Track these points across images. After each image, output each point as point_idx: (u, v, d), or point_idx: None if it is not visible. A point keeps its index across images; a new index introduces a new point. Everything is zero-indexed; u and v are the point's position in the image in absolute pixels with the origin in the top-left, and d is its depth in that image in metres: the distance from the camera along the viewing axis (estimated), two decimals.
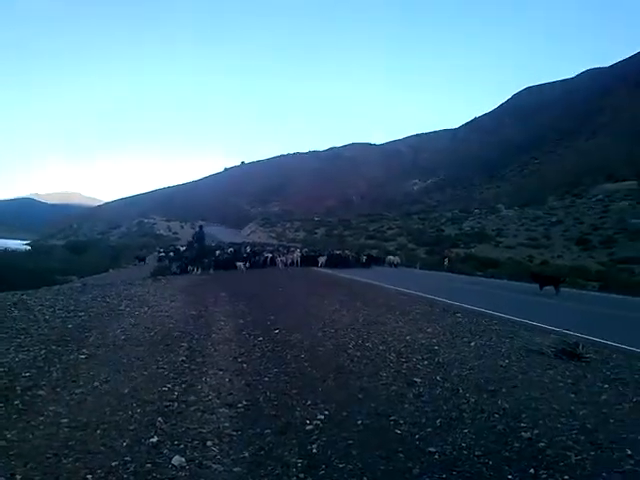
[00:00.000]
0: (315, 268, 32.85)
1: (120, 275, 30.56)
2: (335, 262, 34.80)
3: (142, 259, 43.41)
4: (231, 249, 41.91)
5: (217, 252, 38.11)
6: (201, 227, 35.07)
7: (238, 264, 30.50)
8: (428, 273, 34.45)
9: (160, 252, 45.79)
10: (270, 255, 35.24)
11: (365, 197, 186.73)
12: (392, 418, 5.27)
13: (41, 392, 5.71)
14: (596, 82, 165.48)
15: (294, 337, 9.36)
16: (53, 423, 4.86)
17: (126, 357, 7.45)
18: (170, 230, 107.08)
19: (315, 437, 4.80)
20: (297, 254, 35.99)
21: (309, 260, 34.96)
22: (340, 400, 5.83)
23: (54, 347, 7.76)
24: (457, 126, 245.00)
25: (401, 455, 4.42)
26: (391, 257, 40.12)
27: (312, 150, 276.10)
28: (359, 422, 5.16)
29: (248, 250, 42.06)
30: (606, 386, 6.53)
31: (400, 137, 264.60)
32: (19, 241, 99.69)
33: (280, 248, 44.23)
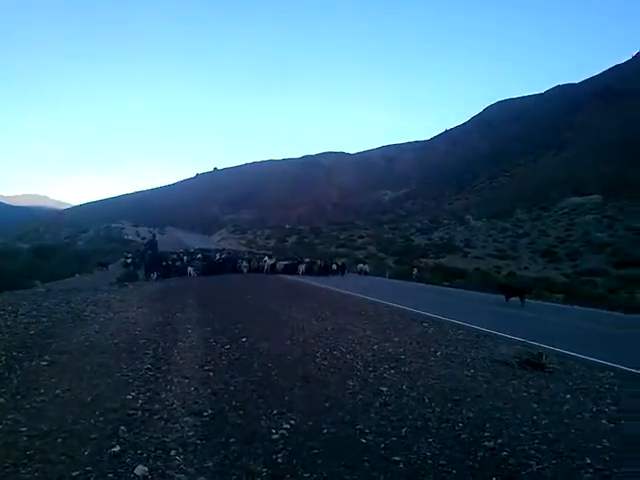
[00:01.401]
0: (283, 275, 32.99)
1: (86, 280, 30.04)
2: (307, 271, 35.53)
3: (104, 265, 42.80)
4: (184, 257, 41.63)
5: (171, 260, 37.86)
6: (154, 235, 35.32)
7: (189, 269, 31.81)
8: (397, 282, 34.68)
9: (127, 258, 45.21)
10: (244, 262, 36.16)
11: (337, 206, 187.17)
12: (358, 427, 5.28)
13: (0, 400, 5.58)
14: (565, 97, 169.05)
15: (262, 345, 9.33)
16: (12, 432, 4.74)
17: (89, 364, 7.32)
18: (139, 235, 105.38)
19: (281, 446, 4.78)
20: (268, 262, 36.60)
21: (288, 268, 35.60)
22: (306, 409, 5.83)
23: (15, 353, 7.61)
24: (429, 138, 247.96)
25: (366, 464, 4.43)
26: (361, 265, 41.24)
27: (286, 158, 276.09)
28: (325, 431, 5.17)
29: (219, 257, 42.04)
30: (568, 396, 6.67)
31: (373, 147, 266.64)
32: None
33: (253, 256, 44.22)
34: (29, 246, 73.94)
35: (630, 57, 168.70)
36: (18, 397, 5.73)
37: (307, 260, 39.10)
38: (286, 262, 37.55)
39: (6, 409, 5.31)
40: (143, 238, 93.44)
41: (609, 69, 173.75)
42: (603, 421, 5.71)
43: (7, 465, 4.06)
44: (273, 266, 35.79)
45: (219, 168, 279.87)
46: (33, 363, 7.18)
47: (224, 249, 65.23)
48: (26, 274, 35.06)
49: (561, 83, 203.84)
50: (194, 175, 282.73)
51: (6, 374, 6.55)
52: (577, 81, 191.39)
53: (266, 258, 39.03)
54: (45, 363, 7.22)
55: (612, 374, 8.06)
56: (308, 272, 35.32)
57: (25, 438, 4.62)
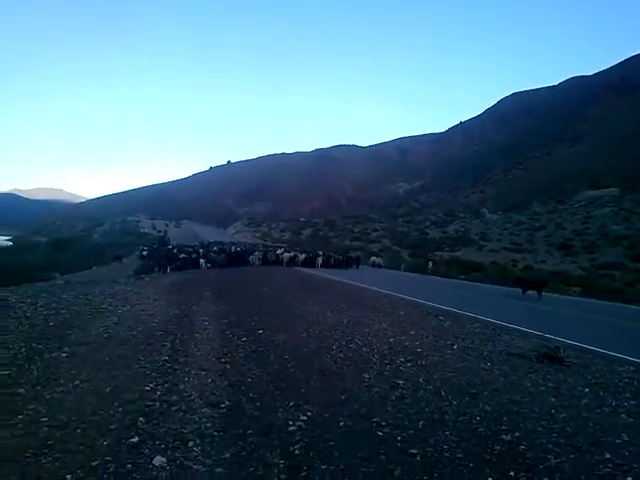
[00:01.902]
0: (297, 268, 33.20)
1: (103, 273, 30.34)
2: (324, 263, 36.52)
3: (119, 258, 43.26)
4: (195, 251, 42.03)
5: (187, 253, 38.45)
6: (165, 232, 36.06)
7: (201, 261, 32.68)
8: (412, 275, 34.62)
9: (143, 251, 45.58)
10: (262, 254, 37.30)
11: (351, 199, 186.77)
12: (374, 420, 5.27)
13: (21, 390, 5.64)
14: (580, 90, 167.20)
15: (278, 338, 9.35)
16: (32, 422, 4.78)
17: (108, 356, 7.37)
18: (154, 229, 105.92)
19: (297, 438, 4.79)
20: (286, 254, 37.64)
21: (307, 261, 36.56)
22: (323, 402, 5.83)
23: (35, 345, 7.67)
24: (443, 130, 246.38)
25: (383, 457, 4.42)
26: (374, 258, 42.02)
27: (299, 151, 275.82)
28: (341, 424, 5.16)
29: (234, 249, 42.27)
30: (586, 390, 6.61)
31: (387, 140, 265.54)
32: (1, 237, 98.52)
33: (267, 249, 44.49)
34: (47, 239, 74.71)
35: None
36: (38, 388, 5.78)
37: (320, 253, 39.67)
38: (304, 255, 38.29)
39: (27, 399, 5.35)
40: (159, 231, 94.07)
41: (623, 61, 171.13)
42: (622, 415, 5.65)
43: (28, 455, 4.10)
44: (292, 259, 36.54)
45: (233, 161, 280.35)
46: (53, 354, 7.24)
47: (239, 242, 65.50)
48: (44, 267, 35.53)
49: (575, 75, 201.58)
50: (208, 168, 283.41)
51: (26, 365, 6.60)
52: (591, 73, 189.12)
53: (281, 250, 39.66)
54: (64, 354, 7.27)
55: (632, 368, 7.98)
56: (324, 265, 36.15)
57: (45, 428, 4.66)
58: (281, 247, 48.10)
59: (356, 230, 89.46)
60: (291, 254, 37.77)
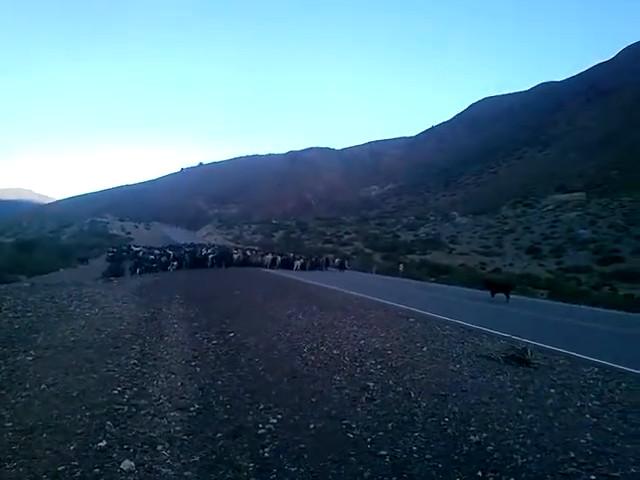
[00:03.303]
0: (265, 270, 33.46)
1: (71, 275, 29.83)
2: (301, 266, 37.91)
3: (84, 260, 42.74)
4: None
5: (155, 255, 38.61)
6: (129, 246, 37.36)
7: (173, 264, 33.06)
8: (383, 278, 34.89)
9: (110, 252, 44.98)
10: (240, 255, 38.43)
11: (323, 201, 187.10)
12: (345, 422, 5.30)
13: None
14: (550, 96, 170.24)
15: (249, 340, 9.32)
16: None
17: (75, 359, 7.27)
18: (123, 230, 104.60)
19: (267, 441, 4.79)
20: (267, 257, 38.83)
21: (284, 263, 38.05)
22: (293, 404, 5.84)
23: None
24: (415, 134, 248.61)
25: (353, 459, 4.46)
26: (338, 260, 44.36)
27: (271, 153, 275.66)
28: (312, 426, 5.19)
29: (205, 252, 42.11)
30: (552, 391, 6.74)
31: (360, 143, 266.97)
32: None
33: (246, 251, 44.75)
34: (13, 240, 73.15)
35: (613, 55, 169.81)
36: (3, 392, 5.68)
37: (298, 257, 41.09)
38: (280, 258, 39.43)
39: None
40: (128, 233, 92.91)
41: (592, 67, 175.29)
42: (587, 416, 5.78)
43: None
44: (273, 261, 37.71)
45: (205, 163, 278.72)
46: (18, 358, 7.11)
47: (210, 244, 65.10)
48: (9, 268, 34.73)
49: (545, 81, 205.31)
50: (179, 170, 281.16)
51: None
52: (560, 79, 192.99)
53: (259, 253, 41.42)
54: (30, 358, 7.15)
55: (596, 369, 8.17)
56: (302, 267, 37.68)
57: (10, 433, 4.59)
58: (252, 249, 48.32)
59: (328, 233, 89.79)
60: (272, 257, 38.83)
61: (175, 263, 33.37)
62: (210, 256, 36.90)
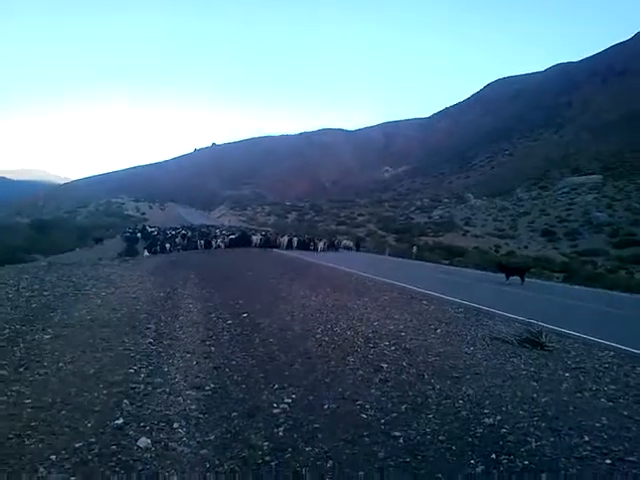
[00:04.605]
0: (278, 250, 33.73)
1: (87, 255, 30.08)
2: (304, 246, 37.91)
3: (100, 240, 43.00)
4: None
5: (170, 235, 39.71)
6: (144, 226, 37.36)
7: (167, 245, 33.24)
8: (397, 260, 34.74)
9: (127, 232, 45.31)
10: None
11: (337, 183, 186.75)
12: (358, 403, 5.32)
13: (3, 372, 5.61)
14: (565, 76, 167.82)
15: (263, 321, 9.37)
16: (16, 403, 4.77)
17: (92, 338, 7.35)
18: (138, 211, 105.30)
19: (282, 420, 4.83)
20: (284, 238, 39.30)
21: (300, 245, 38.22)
22: (307, 384, 5.87)
23: (18, 326, 7.63)
24: (429, 115, 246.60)
25: (366, 439, 4.47)
26: (345, 242, 45.08)
27: (285, 134, 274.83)
28: (325, 406, 5.21)
29: (219, 233, 42.64)
30: (567, 375, 6.70)
31: (373, 124, 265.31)
32: None
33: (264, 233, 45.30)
34: (29, 220, 73.81)
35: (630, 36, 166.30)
36: (21, 370, 5.76)
37: (313, 237, 41.85)
38: (297, 239, 39.83)
39: (10, 381, 5.33)
40: (143, 213, 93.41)
41: (609, 48, 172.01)
42: (602, 400, 5.74)
43: (11, 436, 4.10)
44: (289, 241, 38.23)
45: (218, 144, 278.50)
46: (36, 336, 7.20)
47: (222, 225, 65.44)
48: (27, 248, 35.13)
49: (561, 62, 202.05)
50: (193, 150, 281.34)
51: (9, 347, 6.57)
52: (577, 59, 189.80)
53: (280, 235, 41.76)
54: (48, 336, 7.24)
55: (612, 353, 8.08)
56: (315, 249, 37.70)
57: (29, 410, 4.66)
58: (265, 231, 48.81)
59: (342, 214, 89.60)
60: (287, 238, 39.17)
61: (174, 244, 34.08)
62: (228, 238, 37.42)
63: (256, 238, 38.45)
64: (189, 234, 41.00)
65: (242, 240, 37.63)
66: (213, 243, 35.20)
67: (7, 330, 7.34)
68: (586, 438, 4.53)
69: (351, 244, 44.86)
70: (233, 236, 38.90)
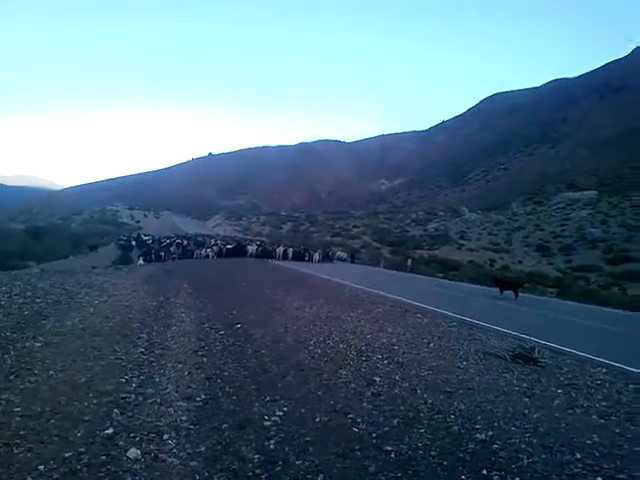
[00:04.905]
0: (273, 261, 33.87)
1: (80, 262, 30.04)
2: (299, 257, 38.40)
3: (94, 247, 43.02)
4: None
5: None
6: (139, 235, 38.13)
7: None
8: (391, 273, 34.77)
9: (121, 240, 45.31)
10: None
11: (332, 194, 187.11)
12: (350, 416, 5.30)
13: None
14: (562, 92, 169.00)
15: (256, 332, 9.34)
16: (5, 412, 4.74)
17: (83, 346, 7.31)
18: (133, 219, 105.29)
19: (273, 433, 4.81)
20: (280, 249, 39.72)
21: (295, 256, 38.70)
22: (299, 397, 5.85)
23: (9, 334, 7.59)
24: (426, 128, 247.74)
25: (358, 453, 4.46)
26: (339, 253, 45.45)
27: (281, 144, 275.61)
28: (317, 419, 5.19)
29: (213, 242, 42.88)
30: (559, 391, 6.71)
31: (369, 136, 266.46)
32: None
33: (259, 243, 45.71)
34: (23, 226, 73.61)
35: (628, 52, 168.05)
36: (12, 377, 5.72)
37: (307, 248, 42.54)
38: (292, 250, 40.25)
39: None
40: (138, 221, 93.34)
41: (606, 64, 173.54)
42: (594, 417, 5.75)
43: (0, 445, 4.07)
44: (284, 252, 38.53)
45: (214, 153, 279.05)
46: (27, 344, 7.16)
47: (217, 235, 65.55)
48: (20, 254, 35.02)
49: (558, 77, 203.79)
50: (189, 159, 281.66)
51: (0, 354, 6.52)
52: (574, 75, 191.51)
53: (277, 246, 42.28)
54: (39, 344, 7.20)
55: (604, 370, 8.10)
56: (311, 260, 38.35)
57: (18, 418, 4.62)
58: (260, 241, 49.08)
59: (337, 226, 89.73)
60: (283, 249, 39.59)
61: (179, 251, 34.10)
62: (224, 247, 37.80)
63: (252, 248, 38.64)
64: (184, 243, 41.09)
65: (237, 250, 37.64)
66: (207, 252, 35.29)
67: None
68: (578, 455, 4.53)
69: (345, 255, 45.21)
70: (230, 246, 39.00)
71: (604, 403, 6.30)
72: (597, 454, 4.60)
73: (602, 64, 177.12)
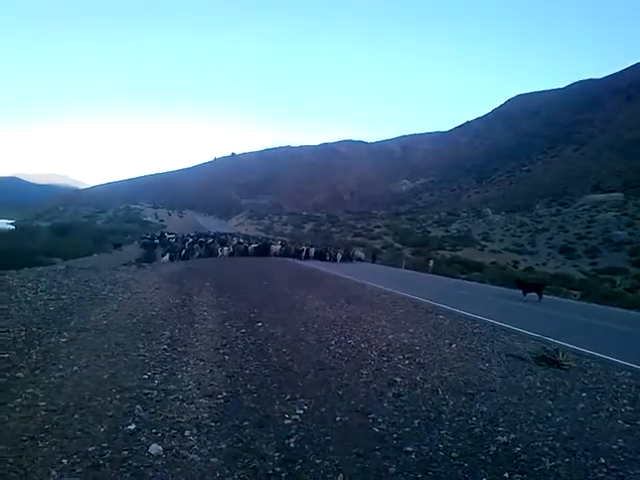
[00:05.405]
0: (294, 260, 33.98)
1: (105, 259, 30.39)
2: (321, 257, 38.53)
3: (118, 245, 43.53)
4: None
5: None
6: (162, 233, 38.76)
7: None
8: (413, 273, 34.61)
9: (145, 238, 45.78)
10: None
11: (354, 194, 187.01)
12: (371, 416, 5.29)
13: (19, 374, 5.66)
14: (587, 93, 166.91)
15: (277, 331, 9.35)
16: (30, 406, 4.81)
17: (107, 342, 7.39)
18: (157, 217, 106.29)
19: (293, 431, 4.81)
20: (302, 249, 40.08)
21: (317, 255, 39.02)
22: (320, 396, 5.85)
23: (35, 329, 7.69)
24: (449, 129, 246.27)
25: (378, 453, 4.44)
26: (358, 253, 45.38)
27: (304, 144, 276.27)
28: (338, 418, 5.18)
29: (236, 241, 43.18)
30: (584, 394, 6.61)
31: (392, 136, 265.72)
32: (3, 220, 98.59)
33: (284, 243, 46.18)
34: (49, 224, 74.76)
35: None
36: (37, 372, 5.80)
37: (328, 248, 42.70)
38: (314, 250, 40.49)
39: (25, 383, 5.38)
40: (161, 220, 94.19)
41: (633, 66, 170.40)
42: (619, 421, 5.65)
43: (25, 438, 4.13)
44: (307, 251, 38.86)
45: (237, 153, 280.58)
46: (52, 339, 7.25)
47: (238, 233, 65.97)
48: (46, 251, 35.58)
49: (583, 78, 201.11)
50: (212, 159, 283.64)
51: (26, 349, 6.62)
52: (599, 76, 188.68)
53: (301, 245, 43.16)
54: (64, 340, 7.29)
55: (630, 374, 7.97)
56: (332, 259, 38.62)
57: (43, 412, 4.69)
58: (283, 240, 49.25)
59: (358, 226, 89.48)
60: (305, 248, 39.98)
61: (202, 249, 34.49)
62: (251, 247, 38.33)
63: (275, 247, 39.12)
64: (207, 241, 41.37)
65: (262, 249, 38.12)
66: (231, 250, 35.57)
67: (24, 332, 7.40)
68: (602, 460, 4.47)
69: (363, 255, 45.23)
70: (254, 245, 39.41)
71: (630, 407, 6.19)
72: (622, 459, 4.53)
73: (628, 65, 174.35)
